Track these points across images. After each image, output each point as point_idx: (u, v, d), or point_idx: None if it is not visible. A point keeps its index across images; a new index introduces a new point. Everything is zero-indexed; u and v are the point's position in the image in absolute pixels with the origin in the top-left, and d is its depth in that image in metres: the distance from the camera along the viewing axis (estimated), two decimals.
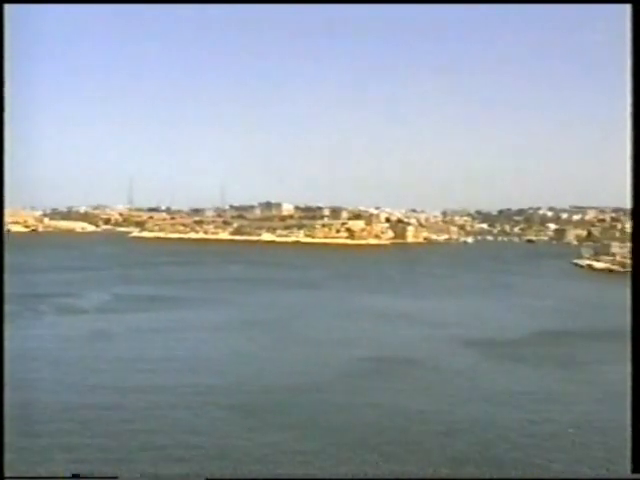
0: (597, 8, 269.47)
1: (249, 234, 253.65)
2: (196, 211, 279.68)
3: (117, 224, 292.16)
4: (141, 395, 38.13)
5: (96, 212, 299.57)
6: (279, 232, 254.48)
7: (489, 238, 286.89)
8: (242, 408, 36.41)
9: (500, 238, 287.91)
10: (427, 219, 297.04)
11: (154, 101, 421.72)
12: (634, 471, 12.46)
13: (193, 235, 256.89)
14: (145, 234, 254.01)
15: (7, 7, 12.67)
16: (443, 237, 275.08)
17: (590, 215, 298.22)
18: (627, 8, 12.91)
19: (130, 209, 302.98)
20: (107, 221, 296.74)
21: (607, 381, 43.50)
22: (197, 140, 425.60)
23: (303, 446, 31.18)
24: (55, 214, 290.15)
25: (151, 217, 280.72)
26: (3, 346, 13.31)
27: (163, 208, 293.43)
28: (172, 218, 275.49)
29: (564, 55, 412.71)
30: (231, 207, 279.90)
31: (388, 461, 29.33)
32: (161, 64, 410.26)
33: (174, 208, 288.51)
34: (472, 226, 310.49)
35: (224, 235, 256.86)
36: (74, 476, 25.01)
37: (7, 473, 12.78)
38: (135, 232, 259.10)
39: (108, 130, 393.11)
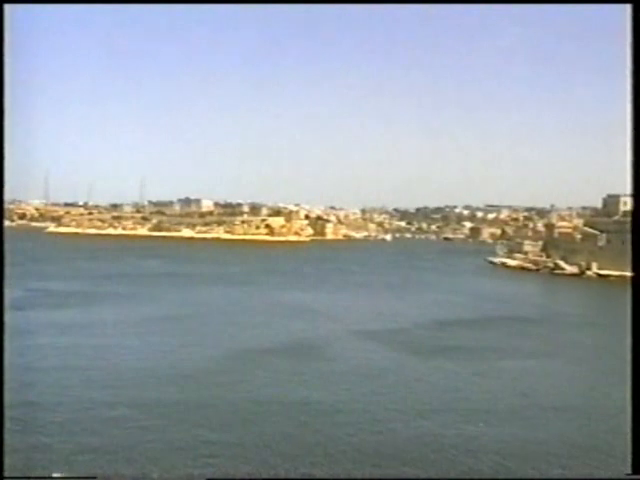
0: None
1: (168, 230, 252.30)
2: (114, 206, 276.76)
3: (33, 219, 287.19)
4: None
5: (10, 207, 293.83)
6: (198, 228, 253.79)
7: (407, 235, 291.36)
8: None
9: (418, 236, 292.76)
10: (346, 216, 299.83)
11: (73, 94, 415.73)
12: (634, 472, 12.67)
13: (111, 231, 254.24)
14: (62, 229, 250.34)
15: (7, 7, 13.09)
16: (362, 234, 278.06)
17: (504, 214, 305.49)
18: (627, 8, 13.17)
19: (46, 204, 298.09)
20: (22, 216, 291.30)
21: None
22: (116, 135, 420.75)
23: None
24: None
25: (68, 212, 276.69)
26: (3, 346, 13.51)
27: (80, 203, 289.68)
28: (90, 213, 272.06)
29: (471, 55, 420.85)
30: (150, 203, 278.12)
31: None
32: (83, 59, 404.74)
33: (92, 203, 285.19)
34: (390, 224, 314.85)
35: (143, 231, 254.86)
36: (75, 476, 25.43)
37: (7, 473, 12.92)
38: (51, 227, 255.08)
39: (21, 122, 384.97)
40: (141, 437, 30.38)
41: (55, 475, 25.13)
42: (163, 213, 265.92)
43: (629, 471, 12.72)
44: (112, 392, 37.37)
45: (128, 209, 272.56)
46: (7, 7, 12.86)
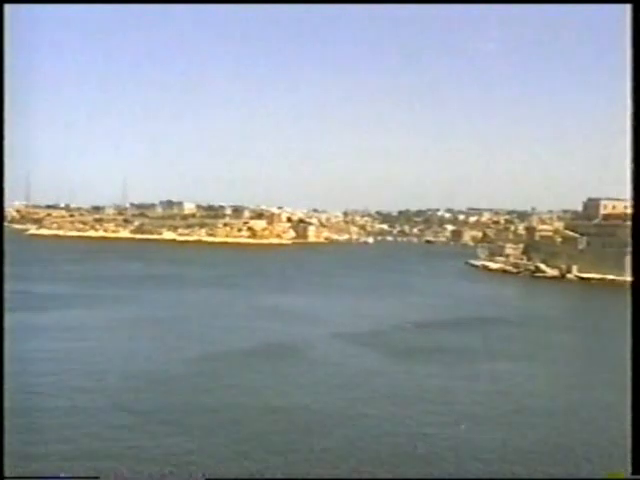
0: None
1: (150, 233, 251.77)
2: (96, 209, 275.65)
3: (14, 221, 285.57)
4: None
5: None
6: (181, 231, 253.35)
7: (389, 238, 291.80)
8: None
9: (400, 238, 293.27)
10: (328, 219, 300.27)
11: (56, 96, 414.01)
12: (634, 472, 12.65)
13: (93, 233, 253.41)
14: (43, 231, 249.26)
15: (7, 7, 13.11)
16: (344, 237, 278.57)
17: (485, 217, 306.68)
18: (627, 8, 13.09)
19: (27, 206, 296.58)
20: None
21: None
22: (98, 137, 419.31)
23: None
24: None
25: (49, 214, 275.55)
26: (3, 346, 13.48)
27: (62, 205, 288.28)
28: (71, 215, 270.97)
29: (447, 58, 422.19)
30: (132, 205, 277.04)
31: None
32: (70, 61, 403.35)
33: (73, 206, 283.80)
34: (372, 226, 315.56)
35: (125, 233, 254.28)
36: (75, 476, 25.39)
37: (7, 473, 12.88)
38: (32, 229, 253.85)
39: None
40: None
41: (61, 475, 25.18)
42: (145, 215, 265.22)
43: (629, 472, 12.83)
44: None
45: (110, 211, 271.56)
46: (7, 7, 12.89)
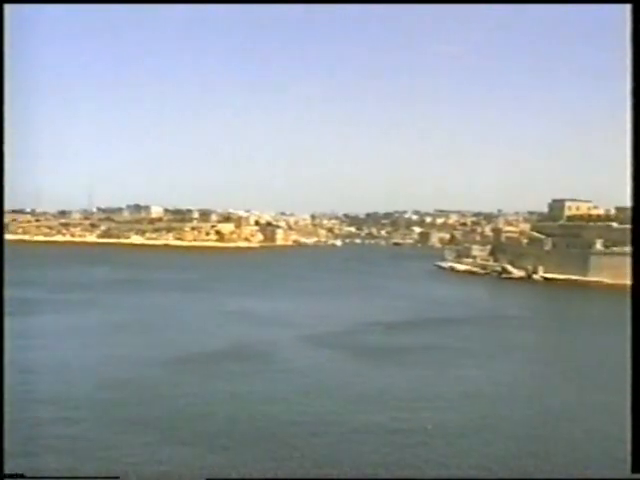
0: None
1: (117, 237, 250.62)
2: (62, 213, 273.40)
3: None
4: None
5: None
6: (148, 235, 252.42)
7: (357, 241, 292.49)
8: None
9: (367, 241, 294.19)
10: (296, 222, 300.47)
11: (19, 98, 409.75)
12: (634, 471, 12.45)
13: (59, 238, 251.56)
14: (8, 237, 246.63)
15: (7, 7, 12.91)
16: (312, 240, 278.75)
17: (452, 219, 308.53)
18: (627, 8, 12.94)
19: None
20: None
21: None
22: (64, 141, 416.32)
23: None
24: None
25: (14, 219, 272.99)
26: (3, 347, 13.33)
27: (27, 210, 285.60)
28: (37, 220, 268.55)
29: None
30: (99, 209, 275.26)
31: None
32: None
33: (39, 210, 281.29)
34: (340, 229, 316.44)
35: (92, 238, 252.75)
36: (76, 477, 25.21)
37: (7, 472, 12.79)
38: None
39: None
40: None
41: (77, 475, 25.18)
42: (112, 220, 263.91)
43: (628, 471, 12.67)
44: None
45: (76, 216, 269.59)
46: (7, 7, 12.80)
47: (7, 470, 12.68)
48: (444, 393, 41.21)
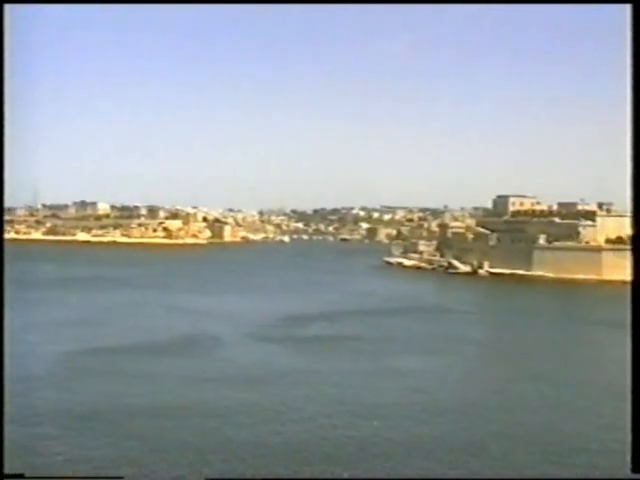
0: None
1: (63, 234, 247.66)
2: (7, 210, 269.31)
3: None
4: None
5: None
6: (94, 232, 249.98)
7: (305, 237, 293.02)
8: None
9: (315, 237, 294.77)
10: (244, 218, 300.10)
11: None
12: (634, 471, 12.52)
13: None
14: None
15: (7, 7, 13.09)
16: (260, 236, 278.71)
17: (399, 215, 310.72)
18: (627, 8, 12.99)
19: None
20: None
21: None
22: (7, 135, 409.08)
23: None
24: None
25: None
26: (3, 346, 13.65)
27: None
28: None
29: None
30: (44, 206, 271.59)
31: None
32: None
33: None
34: (288, 225, 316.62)
35: (37, 235, 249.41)
36: (77, 477, 25.31)
37: (7, 472, 13.07)
38: None
39: None
40: None
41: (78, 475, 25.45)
42: (58, 217, 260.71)
43: (628, 472, 12.86)
44: None
45: (21, 212, 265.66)
46: (7, 7, 13.12)
47: (7, 470, 13.16)
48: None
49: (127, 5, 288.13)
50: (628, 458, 12.61)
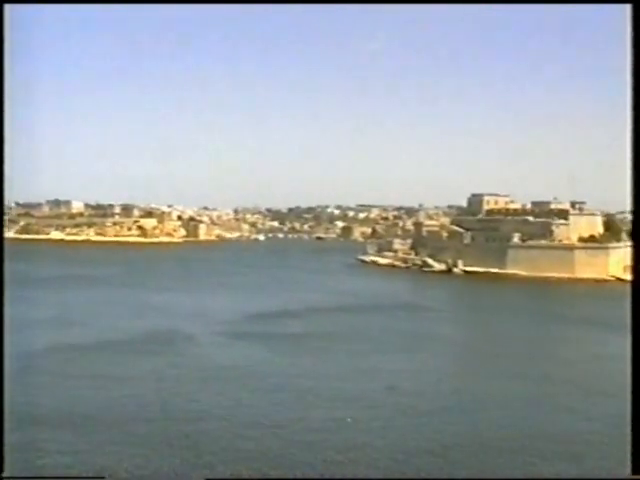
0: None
1: (37, 233, 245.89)
2: None
3: None
4: None
5: None
6: (68, 230, 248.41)
7: (280, 235, 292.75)
8: None
9: (290, 235, 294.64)
10: (219, 217, 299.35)
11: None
12: (634, 472, 12.63)
13: None
14: None
15: (7, 7, 13.13)
16: (235, 235, 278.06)
17: (374, 213, 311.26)
18: (627, 8, 13.09)
19: None
20: None
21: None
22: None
23: None
24: None
25: None
26: (3, 346, 13.65)
27: None
28: None
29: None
30: (17, 204, 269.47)
31: None
32: None
33: None
34: (263, 224, 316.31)
35: (10, 234, 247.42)
36: (76, 477, 25.26)
37: (6, 473, 13.09)
38: None
39: None
40: None
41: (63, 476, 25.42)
42: (31, 215, 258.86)
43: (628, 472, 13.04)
44: None
45: None
46: (7, 7, 13.14)
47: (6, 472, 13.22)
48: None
49: (127, 5, 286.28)
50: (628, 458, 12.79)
